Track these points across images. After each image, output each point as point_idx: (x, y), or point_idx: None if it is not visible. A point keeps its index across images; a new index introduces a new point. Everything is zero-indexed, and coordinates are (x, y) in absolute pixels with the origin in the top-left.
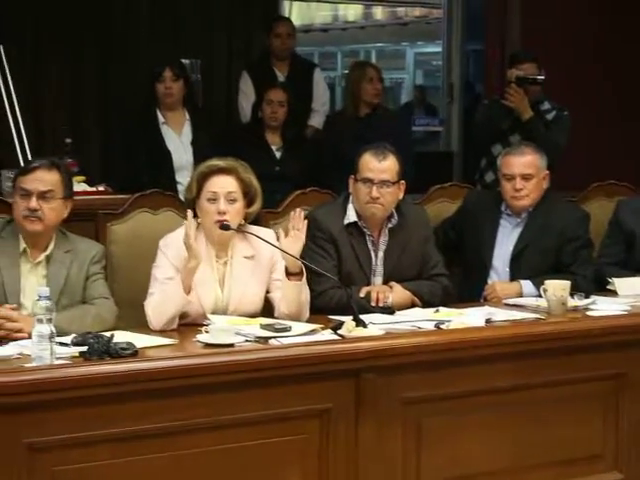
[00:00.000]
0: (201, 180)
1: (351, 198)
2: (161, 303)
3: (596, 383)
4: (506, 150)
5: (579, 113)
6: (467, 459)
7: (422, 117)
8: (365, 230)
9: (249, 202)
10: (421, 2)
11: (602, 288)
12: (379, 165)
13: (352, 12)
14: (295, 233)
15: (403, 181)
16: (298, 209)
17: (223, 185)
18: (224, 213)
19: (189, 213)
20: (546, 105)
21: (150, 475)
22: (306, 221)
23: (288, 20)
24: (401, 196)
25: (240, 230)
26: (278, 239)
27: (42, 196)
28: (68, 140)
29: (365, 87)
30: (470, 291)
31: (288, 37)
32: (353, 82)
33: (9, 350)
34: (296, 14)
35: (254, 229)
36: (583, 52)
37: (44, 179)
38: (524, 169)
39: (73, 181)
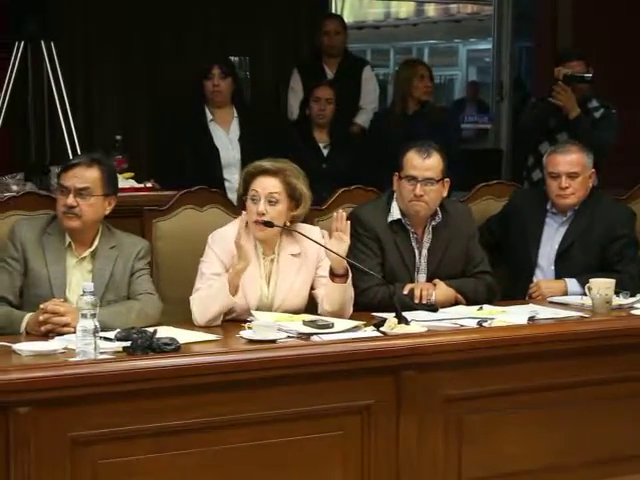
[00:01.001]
0: (248, 179)
1: (395, 195)
2: (206, 300)
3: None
4: (552, 148)
5: (629, 111)
6: (508, 457)
7: (471, 114)
8: (409, 228)
9: (296, 204)
10: None
11: None
12: (423, 163)
13: (404, 9)
14: (339, 234)
15: (447, 179)
16: (340, 210)
17: (265, 186)
18: (262, 214)
19: (243, 214)
20: (594, 103)
21: (191, 469)
22: (349, 222)
23: (337, 17)
24: (445, 194)
25: (285, 228)
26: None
27: (79, 193)
28: (118, 137)
29: (416, 84)
30: (515, 289)
31: (336, 34)
32: (403, 80)
33: (55, 345)
34: (348, 11)
35: (301, 227)
36: (634, 49)
37: (82, 176)
38: (570, 167)
39: (120, 177)
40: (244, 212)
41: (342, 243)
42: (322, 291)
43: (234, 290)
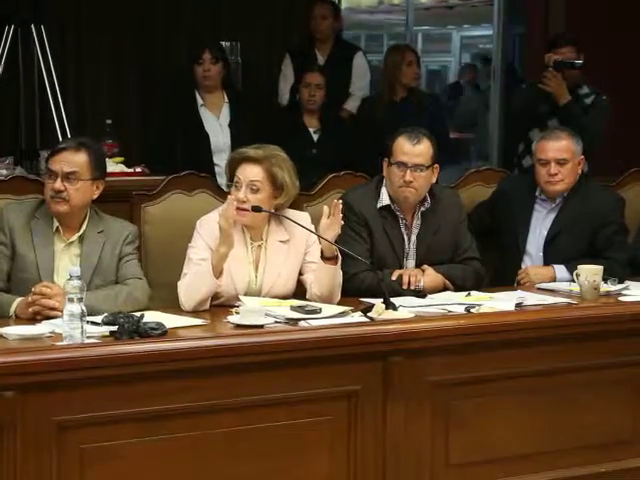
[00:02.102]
0: (233, 166)
1: (384, 181)
2: (192, 285)
3: (627, 369)
4: (541, 135)
5: (621, 97)
6: (495, 443)
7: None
8: (398, 213)
9: (281, 193)
10: None
11: (636, 273)
12: (413, 149)
13: None
14: (333, 219)
15: (437, 165)
16: (340, 201)
17: (247, 174)
18: (243, 201)
19: (229, 198)
20: (585, 89)
21: (177, 454)
22: (341, 215)
23: (326, 3)
24: (435, 180)
25: (274, 213)
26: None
27: (66, 177)
28: (109, 121)
29: (404, 70)
30: (504, 275)
31: (323, 19)
32: (391, 66)
33: (42, 329)
34: None
35: (290, 213)
36: (627, 35)
37: (70, 160)
38: (559, 154)
39: (110, 162)
40: (230, 197)
41: (333, 229)
42: (310, 276)
43: (218, 273)
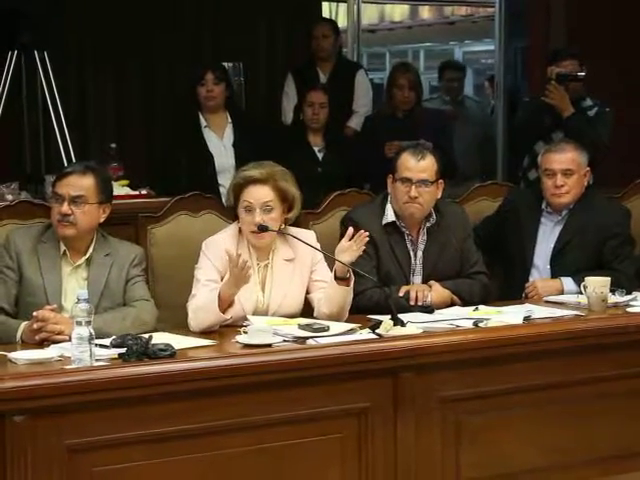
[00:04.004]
0: (237, 190)
1: (389, 198)
2: (200, 312)
3: (637, 379)
4: (546, 147)
5: (624, 109)
6: (506, 457)
7: None
8: (404, 230)
9: (289, 207)
10: (467, 1)
11: None
12: (417, 164)
13: (398, 12)
14: (352, 247)
15: (442, 180)
16: (366, 233)
17: (258, 196)
18: (260, 224)
19: (235, 225)
20: (588, 102)
21: (188, 475)
22: (363, 247)
23: (327, 21)
24: (440, 195)
25: (281, 232)
26: (342, 236)
27: (73, 201)
28: (113, 145)
29: (395, 93)
30: (511, 289)
31: (324, 38)
32: (389, 85)
33: (50, 352)
34: (343, 15)
35: (295, 231)
36: (627, 47)
37: (76, 184)
38: (565, 165)
39: (115, 185)
40: (236, 222)
41: (351, 254)
42: (318, 295)
43: (226, 305)
